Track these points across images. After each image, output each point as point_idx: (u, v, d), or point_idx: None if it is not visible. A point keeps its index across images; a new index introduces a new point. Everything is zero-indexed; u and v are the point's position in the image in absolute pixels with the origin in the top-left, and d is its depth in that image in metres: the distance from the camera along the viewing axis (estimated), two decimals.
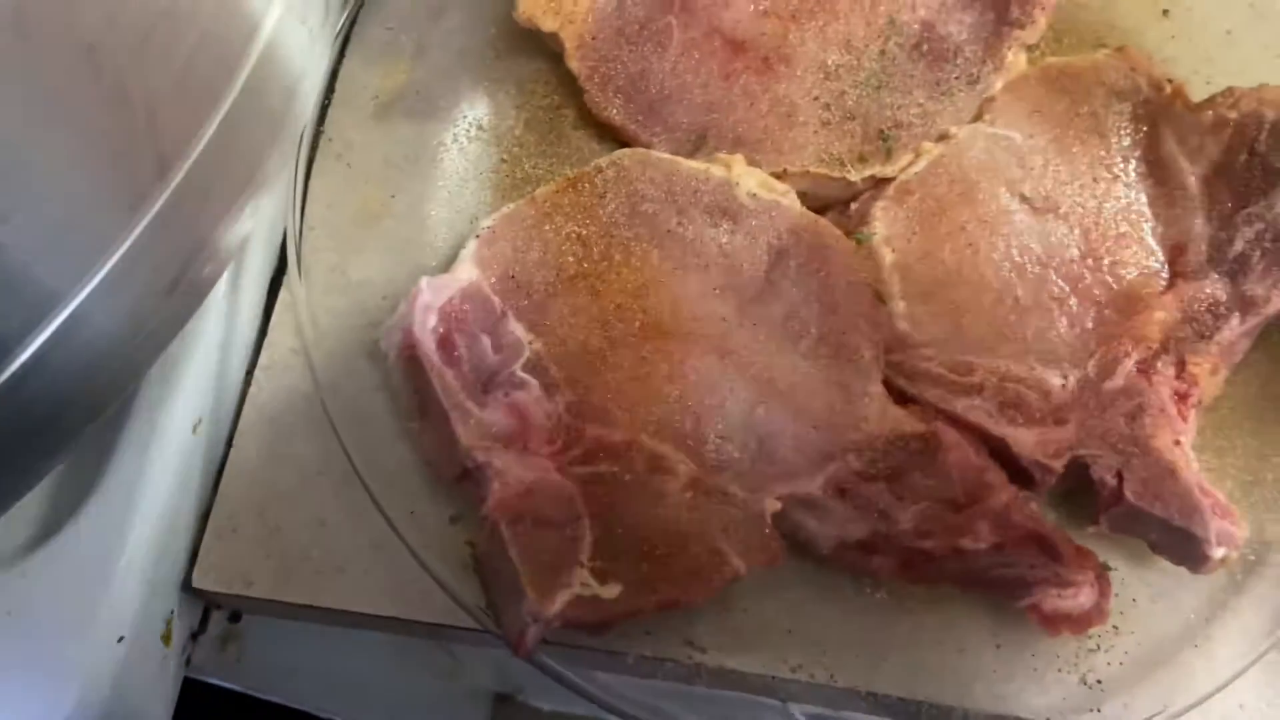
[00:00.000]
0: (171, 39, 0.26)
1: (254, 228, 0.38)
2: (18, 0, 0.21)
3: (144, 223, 0.28)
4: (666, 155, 0.46)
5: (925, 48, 0.49)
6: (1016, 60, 0.49)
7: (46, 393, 0.29)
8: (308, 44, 0.34)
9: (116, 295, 0.29)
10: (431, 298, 0.41)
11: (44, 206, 0.25)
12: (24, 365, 0.27)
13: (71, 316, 0.28)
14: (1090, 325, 0.43)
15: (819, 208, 0.47)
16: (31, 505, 0.40)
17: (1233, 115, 0.46)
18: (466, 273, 0.43)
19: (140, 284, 0.29)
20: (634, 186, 0.45)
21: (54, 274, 0.27)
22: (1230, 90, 0.47)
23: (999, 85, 0.49)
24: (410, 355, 0.40)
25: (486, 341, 0.42)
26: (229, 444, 0.44)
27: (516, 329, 0.42)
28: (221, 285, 0.44)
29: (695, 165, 0.45)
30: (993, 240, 0.45)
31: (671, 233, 0.44)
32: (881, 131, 0.47)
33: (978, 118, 0.48)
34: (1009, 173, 0.46)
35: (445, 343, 0.41)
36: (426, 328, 0.41)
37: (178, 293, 0.32)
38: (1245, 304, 0.43)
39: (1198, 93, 0.48)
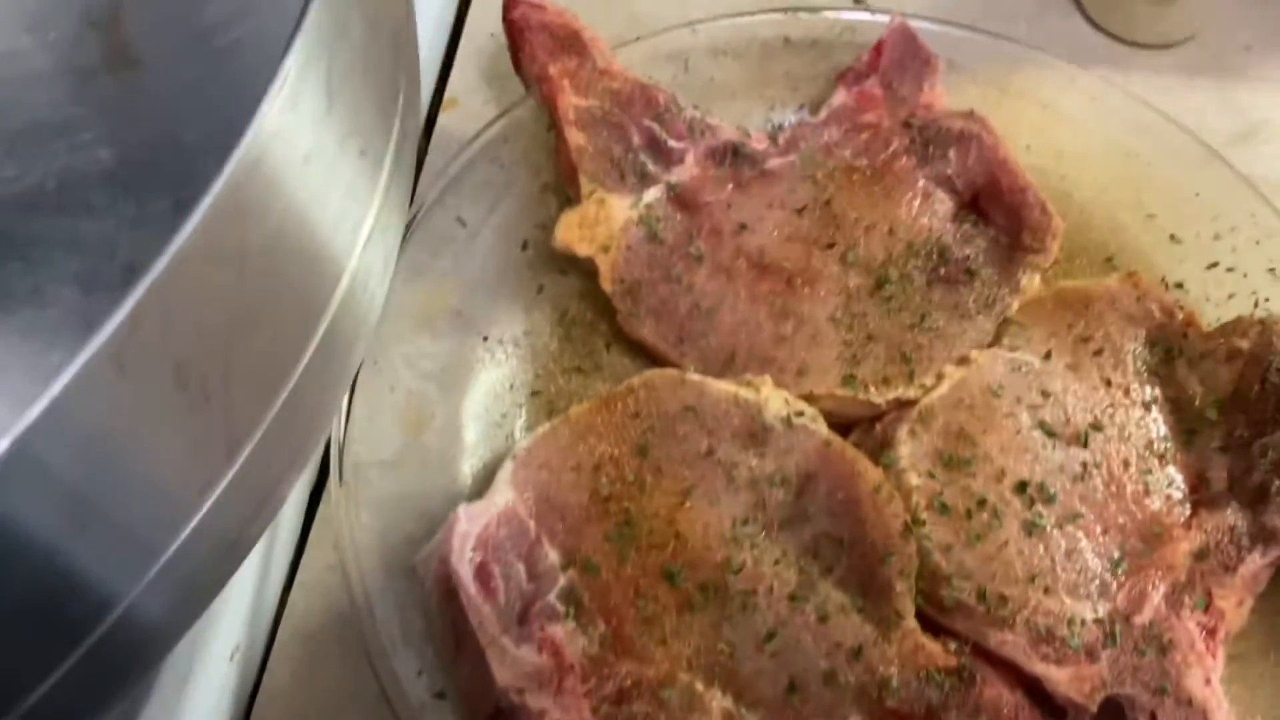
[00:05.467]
0: (251, 338, 0.28)
1: None
2: (116, 344, 0.23)
3: (209, 504, 0.29)
4: (697, 376, 0.47)
5: (942, 271, 0.51)
6: (1031, 283, 0.51)
7: (114, 656, 0.30)
8: (371, 306, 0.37)
9: (176, 571, 0.30)
10: (468, 526, 0.42)
11: (118, 512, 0.27)
12: (93, 642, 0.28)
13: (133, 602, 0.29)
14: (1117, 556, 0.44)
15: (845, 425, 0.48)
16: None
17: (1244, 345, 0.48)
18: (503, 495, 0.44)
19: (199, 557, 0.30)
20: (665, 408, 0.47)
21: (120, 569, 0.28)
22: (1239, 319, 0.49)
23: (1015, 307, 0.51)
24: (447, 587, 0.41)
25: (522, 569, 0.42)
26: (263, 666, 0.44)
27: (551, 555, 0.43)
28: None
29: (724, 387, 0.47)
30: (1017, 468, 0.46)
31: (703, 456, 0.46)
32: (903, 353, 0.49)
33: (997, 339, 0.50)
34: (1030, 398, 0.47)
35: (482, 572, 0.41)
36: (464, 558, 0.41)
37: (235, 551, 0.33)
38: (1266, 535, 0.44)
39: (1209, 317, 0.51)
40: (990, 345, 0.49)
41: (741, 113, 0.58)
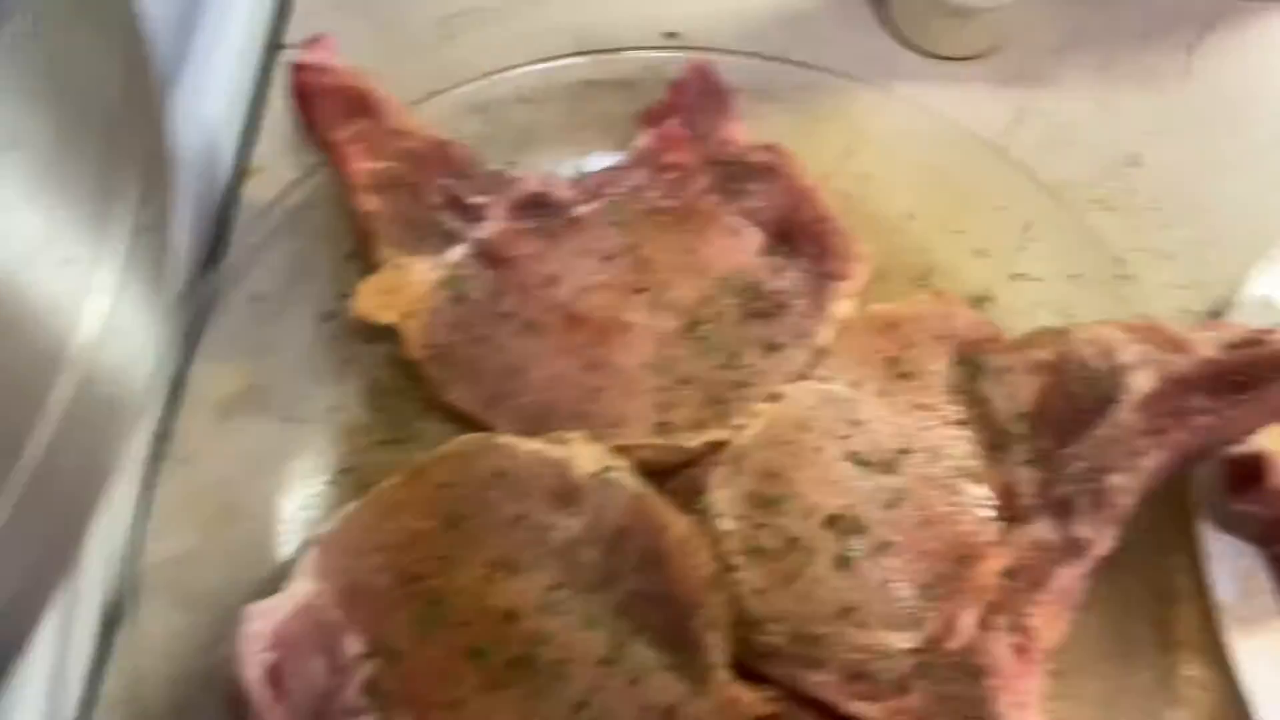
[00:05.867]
0: None
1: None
2: None
3: None
4: (507, 439, 0.46)
5: (755, 307, 0.51)
6: (843, 310, 0.51)
7: None
8: (122, 410, 0.35)
9: None
10: (261, 624, 0.41)
11: None
12: None
13: None
14: (928, 581, 0.44)
15: (662, 473, 0.47)
16: None
17: (1045, 356, 0.48)
18: (303, 586, 0.43)
19: None
20: (475, 475, 0.46)
21: None
22: (1039, 331, 0.49)
23: (829, 335, 0.51)
24: (238, 693, 0.39)
25: (321, 663, 0.41)
26: None
27: (354, 645, 0.41)
28: (53, 620, 0.42)
29: (534, 447, 0.46)
30: (828, 502, 0.45)
31: (514, 522, 0.44)
32: (717, 395, 0.49)
33: (812, 370, 0.50)
34: (839, 429, 0.47)
35: (274, 674, 0.40)
36: (254, 660, 0.40)
37: None
38: (1075, 548, 0.44)
39: (1018, 328, 0.51)
40: (805, 377, 0.49)
41: (555, 160, 0.57)
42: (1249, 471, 0.43)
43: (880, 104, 0.59)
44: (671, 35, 0.65)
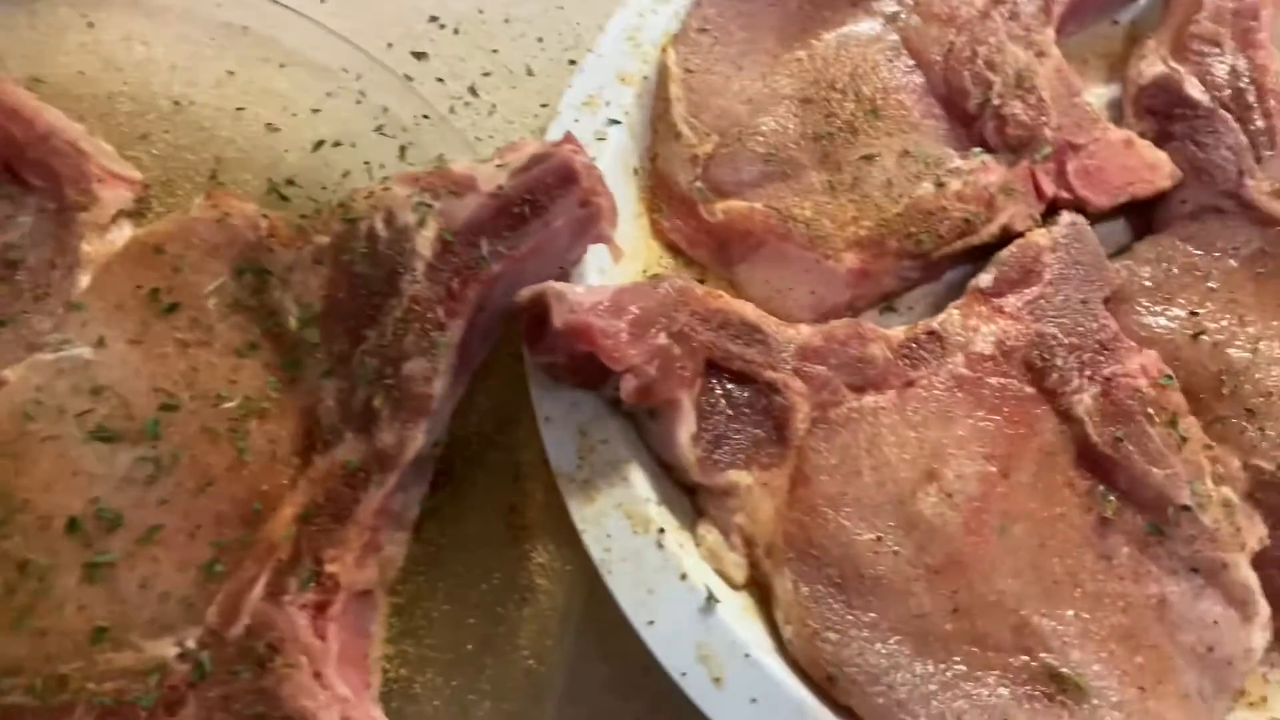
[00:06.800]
0: None
1: None
2: None
3: None
4: None
5: None
6: (102, 245, 0.41)
7: None
8: None
9: None
10: None
11: None
12: None
13: None
14: (209, 558, 0.36)
15: None
16: None
17: (326, 239, 0.39)
18: None
19: None
20: None
21: None
22: (319, 211, 0.41)
23: (83, 283, 0.40)
24: None
25: None
26: None
27: None
28: None
29: None
30: (67, 503, 0.35)
31: None
32: None
33: (56, 335, 0.39)
34: (77, 405, 0.37)
35: None
36: None
37: None
38: (382, 460, 0.37)
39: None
40: (37, 348, 0.38)
41: None
42: (537, 316, 0.37)
43: None
44: None
